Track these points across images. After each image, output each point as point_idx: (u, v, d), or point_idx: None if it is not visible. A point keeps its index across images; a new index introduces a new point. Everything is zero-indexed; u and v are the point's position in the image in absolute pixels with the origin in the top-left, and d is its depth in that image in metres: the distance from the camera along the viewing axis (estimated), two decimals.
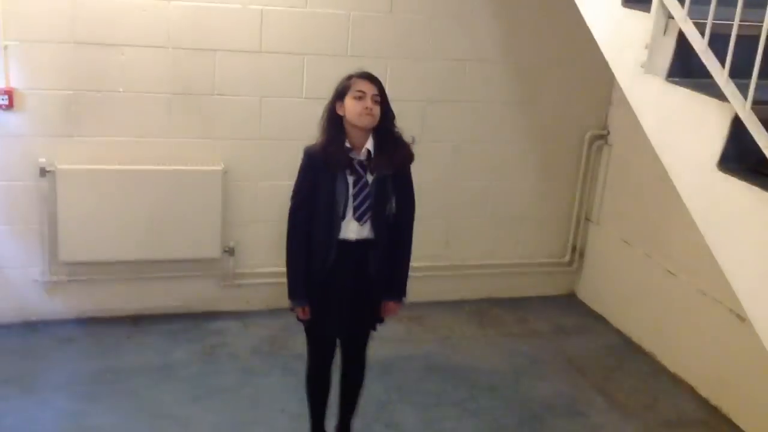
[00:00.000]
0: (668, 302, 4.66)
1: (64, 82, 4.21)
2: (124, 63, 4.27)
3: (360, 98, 3.00)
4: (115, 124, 4.35)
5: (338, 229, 3.10)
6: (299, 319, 3.29)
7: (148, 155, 4.41)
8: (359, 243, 3.13)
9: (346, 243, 3.12)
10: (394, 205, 3.15)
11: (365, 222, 3.11)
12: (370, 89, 3.02)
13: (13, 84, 4.12)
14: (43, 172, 4.25)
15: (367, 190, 3.08)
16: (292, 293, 3.22)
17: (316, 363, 3.42)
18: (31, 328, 4.47)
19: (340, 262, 3.13)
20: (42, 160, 4.25)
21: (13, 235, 4.37)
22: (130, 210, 4.38)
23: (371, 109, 3.00)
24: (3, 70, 4.07)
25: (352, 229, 3.11)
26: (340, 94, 3.07)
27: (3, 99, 4.09)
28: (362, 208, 3.09)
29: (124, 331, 4.53)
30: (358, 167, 3.07)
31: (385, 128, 3.09)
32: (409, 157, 3.17)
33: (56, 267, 4.46)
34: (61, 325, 4.51)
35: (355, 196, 3.08)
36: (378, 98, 3.03)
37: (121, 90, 4.30)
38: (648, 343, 4.83)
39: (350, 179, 3.08)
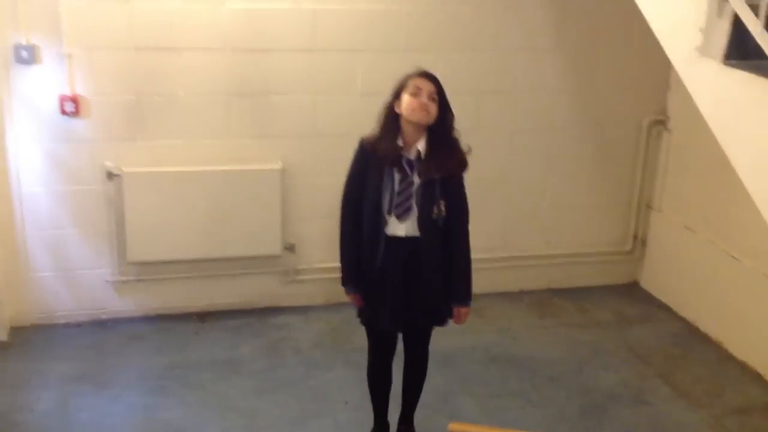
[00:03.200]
0: (733, 288, 4.56)
1: (126, 87, 4.33)
2: (183, 66, 4.37)
3: (416, 94, 3.02)
4: (176, 126, 4.46)
5: (385, 223, 3.12)
6: (358, 315, 3.34)
7: (209, 156, 4.51)
8: (408, 240, 3.15)
9: (396, 239, 3.15)
10: (443, 208, 3.11)
11: (405, 220, 3.11)
12: (427, 86, 3.03)
13: (79, 91, 4.26)
14: (110, 175, 4.39)
15: (410, 190, 3.09)
16: (343, 279, 3.31)
17: (376, 357, 3.47)
18: (102, 326, 4.62)
19: (389, 257, 3.16)
20: (108, 164, 4.38)
21: (83, 238, 4.52)
22: (192, 210, 4.49)
23: (426, 105, 3.01)
24: (68, 78, 4.22)
25: (400, 226, 3.13)
26: (397, 92, 3.10)
27: (70, 106, 4.23)
28: (402, 207, 3.10)
29: (191, 327, 4.66)
30: (405, 166, 3.09)
31: (440, 130, 3.09)
32: (461, 166, 3.14)
33: (125, 267, 4.60)
34: (130, 323, 4.65)
35: (399, 194, 3.09)
36: (435, 97, 3.03)
37: (180, 93, 4.41)
38: (714, 331, 4.74)
39: (397, 176, 3.09)
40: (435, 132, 3.08)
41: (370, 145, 3.16)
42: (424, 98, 3.01)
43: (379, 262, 3.16)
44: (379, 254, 3.16)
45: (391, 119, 3.11)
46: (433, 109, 3.03)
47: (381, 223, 3.13)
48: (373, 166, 3.14)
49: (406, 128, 3.08)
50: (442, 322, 3.34)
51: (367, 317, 3.33)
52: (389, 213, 3.11)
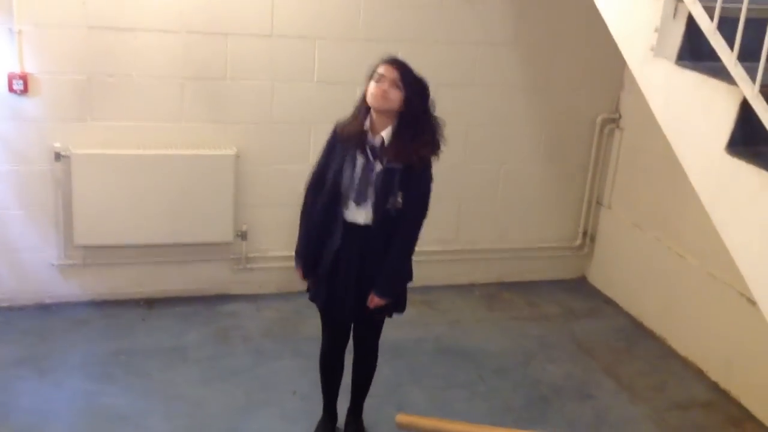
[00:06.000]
0: (678, 286, 4.67)
1: (77, 67, 4.24)
2: (137, 47, 4.29)
3: (378, 81, 3.03)
4: (128, 108, 4.38)
5: (344, 208, 3.12)
6: (306, 290, 3.35)
7: (162, 140, 4.44)
8: (366, 228, 3.14)
9: (354, 226, 3.15)
10: (400, 200, 3.08)
11: (363, 207, 3.10)
12: (390, 73, 3.02)
13: (28, 69, 4.15)
14: (58, 156, 4.30)
15: (370, 176, 3.08)
16: (296, 252, 3.32)
17: (328, 346, 3.46)
18: (46, 310, 4.53)
19: (345, 242, 3.15)
20: (57, 144, 4.29)
21: (29, 219, 4.42)
22: (143, 194, 4.42)
23: (386, 92, 3.01)
24: (17, 55, 4.10)
25: (360, 213, 3.13)
26: (368, 79, 3.09)
27: (18, 84, 4.12)
28: (361, 194, 3.09)
29: (138, 313, 4.59)
30: (369, 151, 3.09)
31: (409, 118, 3.07)
32: (425, 158, 3.11)
33: (71, 251, 4.51)
34: (75, 307, 4.56)
35: (359, 180, 3.09)
36: (399, 84, 3.02)
37: (134, 74, 4.33)
38: (658, 327, 4.84)
39: (360, 162, 3.10)
40: (404, 119, 3.07)
41: (340, 129, 3.18)
42: (384, 85, 3.01)
43: (335, 246, 3.15)
44: (335, 239, 3.15)
45: (363, 105, 3.12)
46: (395, 95, 3.02)
47: (338, 207, 3.13)
48: (339, 150, 3.15)
49: (374, 114, 3.09)
50: (396, 311, 3.34)
51: (313, 293, 3.33)
52: (348, 198, 3.11)
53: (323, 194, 3.17)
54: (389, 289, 3.20)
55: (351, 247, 3.16)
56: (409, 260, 3.25)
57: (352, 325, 3.42)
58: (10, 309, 4.48)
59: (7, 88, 4.12)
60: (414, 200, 3.13)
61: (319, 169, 3.24)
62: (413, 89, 3.06)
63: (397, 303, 3.31)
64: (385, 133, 3.08)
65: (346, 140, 3.12)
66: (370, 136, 3.09)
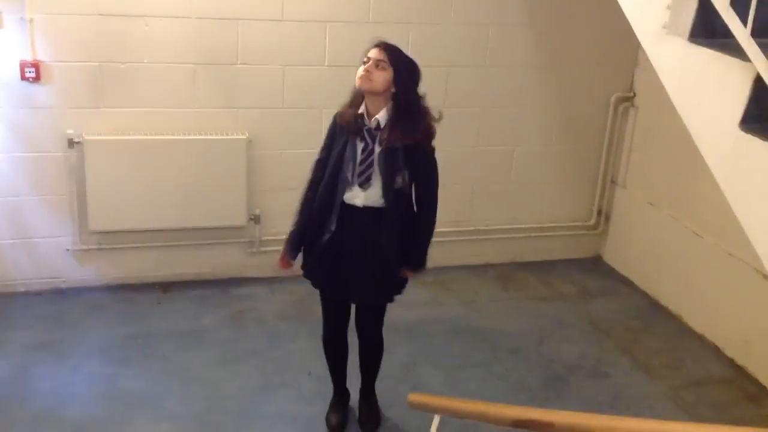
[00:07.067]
0: (694, 264, 4.64)
1: (89, 54, 4.25)
2: (148, 34, 4.29)
3: (364, 62, 3.07)
4: (140, 94, 4.39)
5: (342, 192, 3.15)
6: (301, 267, 3.38)
7: (174, 125, 4.45)
8: (366, 211, 3.15)
9: (352, 208, 3.16)
10: (407, 178, 3.12)
11: (368, 189, 3.12)
12: (375, 54, 3.06)
13: (40, 56, 4.17)
14: (71, 143, 4.32)
15: (371, 159, 3.10)
16: (289, 236, 3.36)
17: (328, 326, 3.50)
18: (62, 295, 4.57)
19: (344, 225, 3.18)
20: (70, 131, 4.31)
21: (44, 206, 4.45)
22: (156, 179, 4.44)
23: (369, 73, 3.03)
24: (30, 43, 4.12)
25: (358, 196, 3.15)
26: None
27: (30, 72, 4.14)
28: (364, 176, 3.12)
29: (154, 297, 4.62)
30: (366, 135, 3.11)
31: (402, 98, 3.08)
32: (425, 135, 3.13)
33: (86, 236, 4.54)
34: (91, 292, 4.61)
35: (361, 163, 3.12)
36: (384, 64, 3.04)
37: (145, 61, 4.33)
38: (674, 305, 4.83)
39: (359, 146, 3.12)
40: (398, 101, 3.09)
41: (339, 116, 3.21)
42: (368, 66, 3.05)
43: (334, 231, 3.18)
44: (332, 221, 3.18)
45: (358, 90, 3.15)
46: (378, 76, 3.03)
47: (338, 191, 3.16)
48: (339, 136, 3.18)
49: (367, 98, 3.12)
50: (397, 293, 3.35)
51: (308, 272, 3.36)
52: (352, 182, 3.13)
53: (324, 179, 3.21)
54: (423, 263, 3.27)
55: (349, 229, 3.18)
56: (433, 232, 3.28)
57: (354, 314, 3.44)
58: (26, 294, 4.53)
59: (19, 76, 4.14)
60: (427, 175, 3.19)
61: (322, 157, 3.28)
62: (402, 68, 3.07)
63: (399, 285, 3.34)
64: (380, 116, 3.10)
65: (345, 127, 3.16)
66: (366, 120, 3.11)
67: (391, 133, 3.07)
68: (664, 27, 2.48)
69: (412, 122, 3.08)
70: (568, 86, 5.10)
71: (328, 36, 4.54)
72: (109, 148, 4.34)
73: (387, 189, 3.11)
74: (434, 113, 3.16)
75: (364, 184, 3.12)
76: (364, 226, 3.17)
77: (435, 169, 3.22)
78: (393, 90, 3.08)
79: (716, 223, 4.43)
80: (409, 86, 3.09)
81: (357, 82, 3.07)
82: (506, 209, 5.27)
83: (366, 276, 3.22)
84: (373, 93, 3.07)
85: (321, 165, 3.27)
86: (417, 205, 3.23)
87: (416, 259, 3.26)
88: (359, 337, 3.48)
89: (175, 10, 4.29)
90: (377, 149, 3.10)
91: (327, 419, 3.60)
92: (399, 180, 3.10)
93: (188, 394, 3.76)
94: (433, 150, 3.19)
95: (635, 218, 5.24)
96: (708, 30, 2.39)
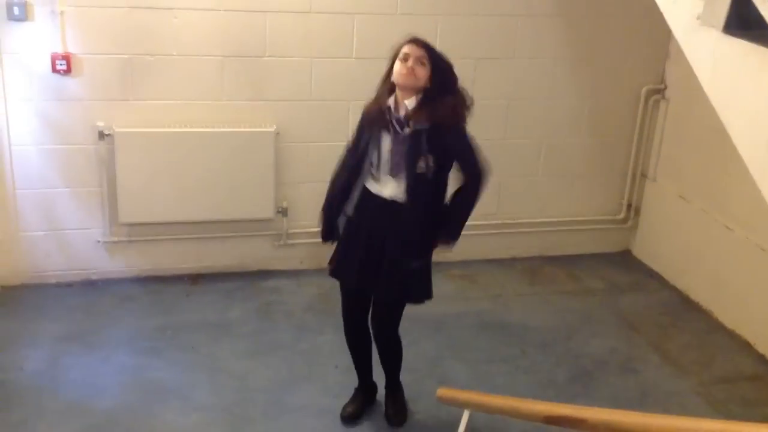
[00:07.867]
0: (726, 258, 4.58)
1: (119, 46, 4.28)
2: (177, 26, 4.31)
3: (404, 60, 3.06)
4: (169, 87, 4.41)
5: (363, 179, 3.19)
6: (329, 263, 3.42)
7: (202, 117, 4.47)
8: (392, 203, 3.16)
9: (379, 198, 3.18)
10: (431, 163, 3.09)
11: (398, 176, 3.12)
12: (414, 51, 3.06)
13: (71, 49, 4.20)
14: (102, 135, 4.35)
15: (401, 146, 3.10)
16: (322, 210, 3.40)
17: (345, 314, 3.51)
18: (93, 286, 4.62)
19: (368, 214, 3.21)
20: (100, 123, 4.34)
21: (74, 198, 4.50)
22: (185, 171, 4.46)
23: (413, 70, 3.04)
24: (60, 36, 4.16)
25: (387, 187, 3.16)
26: (392, 59, 3.12)
27: (61, 64, 4.18)
28: (398, 164, 3.12)
29: (183, 289, 4.66)
30: (396, 124, 3.10)
31: (434, 92, 3.09)
32: (453, 111, 3.11)
33: (116, 228, 4.59)
34: (121, 283, 4.65)
35: (392, 152, 3.12)
36: (425, 61, 3.05)
37: (174, 53, 4.35)
38: (705, 300, 4.77)
39: (388, 137, 3.12)
40: (428, 94, 3.10)
41: (365, 111, 3.23)
42: (411, 63, 3.04)
43: (349, 212, 3.23)
44: (349, 205, 3.23)
45: (386, 85, 3.15)
46: (421, 72, 3.05)
47: (359, 177, 3.20)
48: (368, 130, 3.19)
49: (399, 93, 3.12)
50: (408, 296, 3.33)
51: (333, 268, 3.40)
52: (378, 171, 3.15)
53: (349, 169, 3.25)
54: (453, 233, 3.26)
55: (372, 218, 3.20)
56: (472, 208, 3.27)
57: (369, 312, 3.42)
58: (57, 286, 4.58)
59: (50, 68, 4.18)
60: (463, 157, 3.17)
61: (348, 151, 3.31)
62: (439, 66, 3.10)
63: (420, 289, 3.30)
64: (408, 102, 3.10)
65: (371, 121, 3.17)
66: (394, 112, 3.12)
67: (419, 114, 3.07)
68: (697, 18, 2.43)
69: (439, 103, 3.08)
70: (597, 78, 5.04)
71: (356, 28, 4.53)
72: (138, 140, 4.37)
73: (409, 172, 3.10)
74: (467, 99, 3.16)
75: (396, 171, 3.12)
76: (389, 218, 3.16)
77: (473, 149, 3.18)
78: (429, 86, 3.09)
79: (748, 216, 4.37)
80: (443, 81, 3.10)
81: (398, 79, 3.06)
82: (534, 203, 5.24)
83: (387, 270, 3.21)
84: (413, 89, 3.08)
85: (348, 158, 3.29)
86: (463, 186, 3.22)
87: (450, 231, 3.26)
88: (374, 336, 3.47)
89: (204, 3, 4.30)
90: (405, 133, 3.10)
91: (342, 409, 3.61)
92: (422, 164, 3.08)
93: (216, 385, 3.79)
94: (465, 131, 3.17)
95: (665, 212, 5.18)
96: (743, 21, 2.35)
